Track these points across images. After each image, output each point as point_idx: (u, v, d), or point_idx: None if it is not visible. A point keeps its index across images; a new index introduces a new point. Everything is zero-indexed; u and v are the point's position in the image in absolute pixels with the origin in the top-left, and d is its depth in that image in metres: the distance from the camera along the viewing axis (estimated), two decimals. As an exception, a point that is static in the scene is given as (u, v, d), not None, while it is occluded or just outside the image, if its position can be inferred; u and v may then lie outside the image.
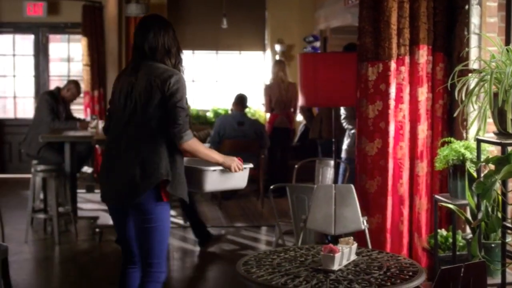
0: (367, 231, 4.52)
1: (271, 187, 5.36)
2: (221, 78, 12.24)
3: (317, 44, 10.89)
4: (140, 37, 3.95)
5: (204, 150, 3.95)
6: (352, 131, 6.18)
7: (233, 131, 9.05)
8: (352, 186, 4.57)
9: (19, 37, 11.71)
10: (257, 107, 11.65)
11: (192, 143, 3.84)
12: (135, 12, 10.51)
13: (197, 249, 7.16)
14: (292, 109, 9.95)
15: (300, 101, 5.59)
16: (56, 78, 11.67)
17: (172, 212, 7.98)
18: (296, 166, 6.44)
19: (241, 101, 9.36)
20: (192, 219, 7.06)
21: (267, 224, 8.11)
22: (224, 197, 9.17)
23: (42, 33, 11.54)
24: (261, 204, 9.07)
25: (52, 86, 11.19)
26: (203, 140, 10.23)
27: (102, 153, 5.18)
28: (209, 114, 11.76)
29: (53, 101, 8.42)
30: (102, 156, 4.95)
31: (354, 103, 5.06)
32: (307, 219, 4.56)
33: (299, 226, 4.80)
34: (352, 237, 3.71)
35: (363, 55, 4.79)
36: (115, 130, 3.96)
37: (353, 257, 3.64)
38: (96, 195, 9.08)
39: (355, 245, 3.67)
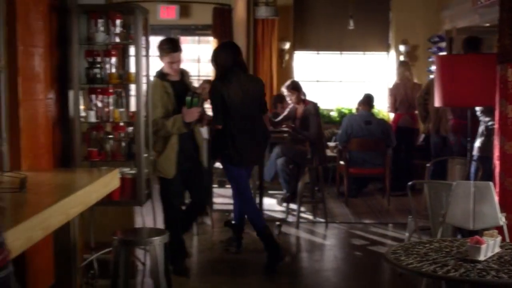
0: (505, 227, 4.65)
1: (409, 183, 5.53)
2: (345, 79, 12.44)
3: (443, 44, 10.92)
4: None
5: None
6: (490, 123, 6.23)
7: (360, 130, 9.26)
8: (491, 183, 4.71)
9: (153, 39, 12.25)
10: (381, 107, 11.79)
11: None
12: (264, 15, 10.87)
13: (327, 242, 7.43)
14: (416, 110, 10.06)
15: (436, 101, 5.75)
16: (186, 78, 12.16)
17: (302, 208, 8.28)
18: (427, 164, 6.60)
19: (368, 100, 9.56)
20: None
21: (394, 222, 8.28)
22: (350, 194, 9.41)
23: (173, 35, 12.07)
24: (387, 201, 9.23)
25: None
26: (328, 139, 10.49)
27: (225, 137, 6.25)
28: (333, 114, 11.99)
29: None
30: (233, 138, 6.20)
31: (490, 103, 5.19)
32: (446, 214, 4.74)
33: (437, 221, 4.97)
34: (496, 231, 3.88)
35: (503, 56, 4.92)
36: (241, 120, 6.19)
37: (497, 249, 3.81)
38: (227, 190, 9.46)
39: (499, 238, 3.83)
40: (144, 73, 5.37)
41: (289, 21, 11.88)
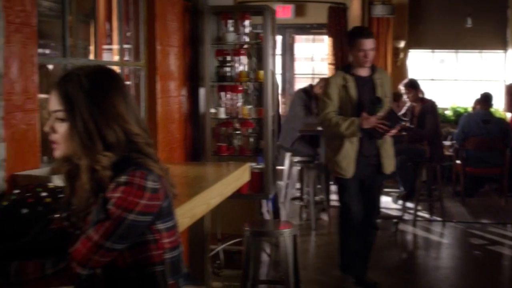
0: None
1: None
2: (460, 77, 12.29)
3: None
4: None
5: None
6: None
7: (477, 129, 9.16)
8: None
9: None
10: (497, 106, 11.59)
11: None
12: (380, 13, 10.91)
13: (444, 241, 7.44)
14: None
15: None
16: (300, 76, 12.35)
17: (418, 206, 8.28)
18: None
19: (486, 99, 9.44)
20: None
21: (512, 222, 8.18)
22: (466, 194, 9.32)
23: (288, 33, 12.26)
24: (504, 201, 9.10)
25: (296, 84, 11.90)
26: (444, 138, 10.40)
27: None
28: (448, 112, 11.88)
29: (307, 98, 9.02)
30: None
31: None
32: None
33: None
34: None
35: None
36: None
37: None
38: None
39: None
40: (271, 71, 5.55)
41: (404, 20, 11.84)
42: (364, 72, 5.29)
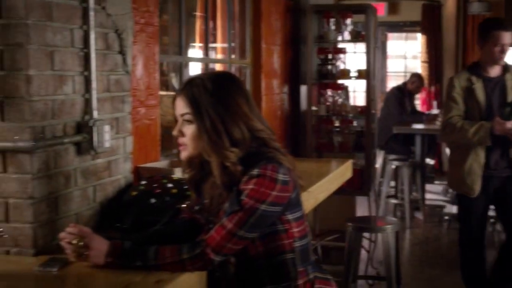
0: None
1: None
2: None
3: None
4: None
5: None
6: None
7: None
8: None
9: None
10: None
11: None
12: (476, 11, 10.76)
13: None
14: None
15: None
16: (393, 74, 12.31)
17: None
18: None
19: None
20: None
21: None
22: None
23: (381, 31, 12.22)
24: None
25: (389, 82, 11.87)
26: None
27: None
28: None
29: (401, 95, 8.99)
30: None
31: None
32: None
33: None
34: None
35: None
36: None
37: None
38: (436, 186, 9.51)
39: None
40: (373, 69, 5.61)
41: (501, 17, 11.64)
42: (494, 71, 4.62)
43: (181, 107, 2.26)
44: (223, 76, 2.37)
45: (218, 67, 4.93)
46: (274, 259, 2.23)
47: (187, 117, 2.24)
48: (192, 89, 2.24)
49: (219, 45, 5.23)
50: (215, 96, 2.22)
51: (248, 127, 2.24)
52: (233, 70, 4.98)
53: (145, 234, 2.45)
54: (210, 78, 2.28)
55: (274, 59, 5.37)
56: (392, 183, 8.50)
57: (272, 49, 5.33)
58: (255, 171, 2.17)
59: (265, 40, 5.12)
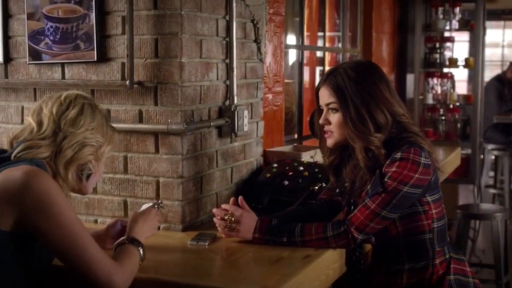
0: None
1: None
2: None
3: None
4: None
5: None
6: None
7: None
8: None
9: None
10: None
11: None
12: None
13: None
14: None
15: None
16: (490, 64, 12.11)
17: None
18: None
19: None
20: None
21: None
22: None
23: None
24: None
25: (486, 72, 11.70)
26: None
27: None
28: None
29: (501, 86, 8.88)
30: None
31: None
32: None
33: None
34: None
35: None
36: None
37: None
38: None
39: None
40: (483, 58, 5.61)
41: None
42: None
43: (326, 96, 2.39)
44: (364, 64, 2.48)
45: (328, 55, 5.04)
46: (413, 239, 2.34)
47: (333, 105, 2.37)
48: (336, 79, 2.36)
49: (328, 33, 5.33)
50: (359, 84, 2.34)
51: (390, 112, 2.35)
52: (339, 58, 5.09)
53: (284, 213, 2.60)
54: (351, 67, 2.40)
55: (383, 47, 5.44)
56: (491, 173, 8.43)
57: (382, 38, 5.40)
58: (398, 155, 2.28)
59: (376, 28, 5.21)
